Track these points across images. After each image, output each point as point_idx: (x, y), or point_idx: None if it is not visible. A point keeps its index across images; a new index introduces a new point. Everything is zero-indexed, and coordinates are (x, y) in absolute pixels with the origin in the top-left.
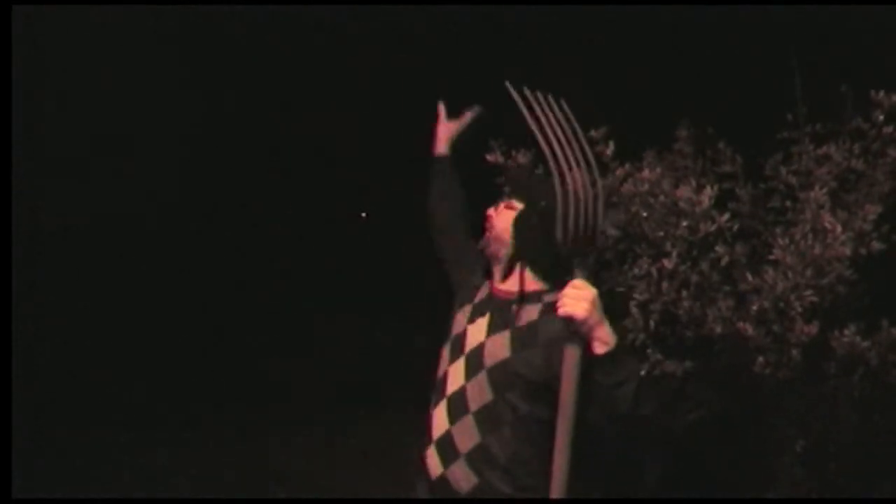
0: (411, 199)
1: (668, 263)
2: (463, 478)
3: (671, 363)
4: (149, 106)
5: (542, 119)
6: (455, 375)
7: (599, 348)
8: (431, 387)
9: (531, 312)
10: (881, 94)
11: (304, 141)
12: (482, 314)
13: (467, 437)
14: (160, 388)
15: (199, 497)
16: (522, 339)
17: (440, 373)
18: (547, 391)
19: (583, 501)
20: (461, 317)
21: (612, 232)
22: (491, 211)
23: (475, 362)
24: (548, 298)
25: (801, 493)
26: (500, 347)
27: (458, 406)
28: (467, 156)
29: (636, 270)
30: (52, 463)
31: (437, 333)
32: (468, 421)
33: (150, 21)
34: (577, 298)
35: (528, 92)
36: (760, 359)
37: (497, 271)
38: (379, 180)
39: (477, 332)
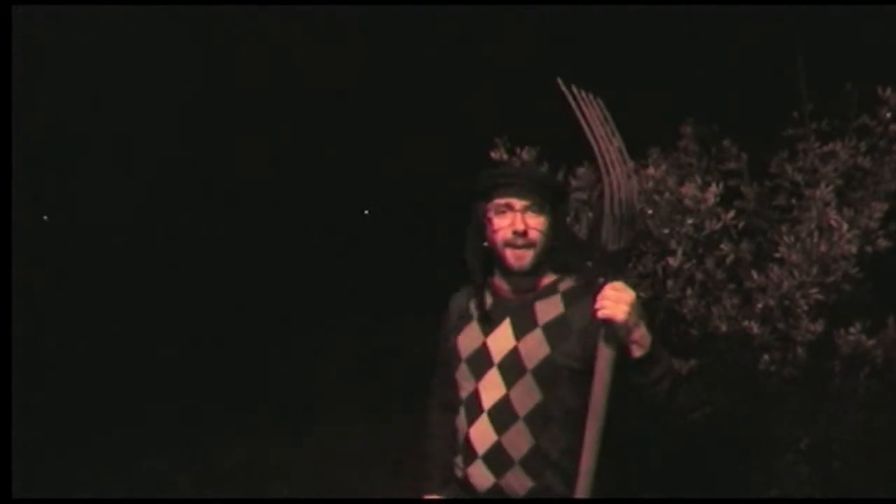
0: (413, 200)
1: (672, 261)
2: (518, 483)
3: (676, 361)
4: (149, 106)
5: (589, 117)
6: (490, 389)
7: (637, 351)
8: (457, 409)
9: (554, 304)
10: (888, 91)
11: (307, 141)
12: (498, 322)
13: (521, 442)
14: (161, 388)
15: (200, 497)
16: (557, 332)
17: (464, 394)
18: (587, 377)
19: (600, 502)
20: (469, 335)
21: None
22: (492, 213)
23: (514, 369)
24: (563, 287)
25: (806, 492)
26: (537, 346)
27: (503, 415)
28: (472, 152)
29: (641, 268)
30: (52, 463)
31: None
32: (519, 427)
33: (150, 21)
34: (618, 301)
35: (575, 90)
36: (765, 357)
37: (499, 272)
38: (382, 181)
39: (502, 341)
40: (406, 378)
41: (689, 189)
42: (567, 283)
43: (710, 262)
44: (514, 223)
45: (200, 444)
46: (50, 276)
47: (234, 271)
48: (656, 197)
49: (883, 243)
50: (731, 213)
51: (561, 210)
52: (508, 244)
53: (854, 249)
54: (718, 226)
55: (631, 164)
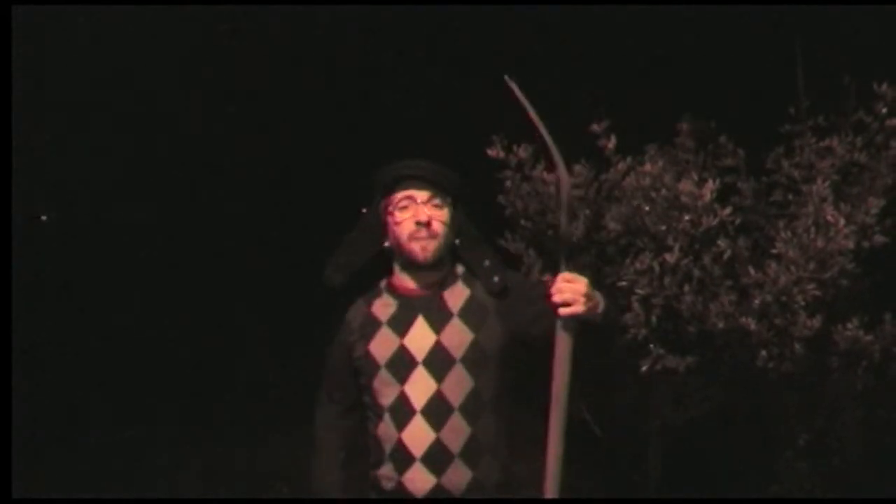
0: None
1: (670, 258)
2: (459, 477)
3: (673, 358)
4: (148, 106)
5: (535, 116)
6: (419, 388)
7: (600, 321)
8: (376, 419)
9: (459, 290)
10: (884, 85)
11: (307, 141)
12: (409, 321)
13: (458, 434)
14: (161, 387)
15: (200, 496)
16: (474, 317)
17: (387, 401)
18: (511, 354)
19: (583, 501)
20: (382, 341)
21: (613, 225)
22: (393, 208)
23: (441, 362)
24: (459, 271)
25: (805, 488)
26: (460, 335)
27: (438, 411)
28: (469, 149)
29: (638, 265)
30: (52, 463)
31: None
32: (455, 419)
33: (150, 21)
34: (574, 292)
35: (518, 88)
36: (763, 353)
37: (401, 270)
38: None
39: (420, 338)
40: None
41: (686, 185)
42: (461, 268)
43: (707, 259)
44: (417, 214)
45: (201, 443)
46: (49, 275)
47: (234, 271)
48: (653, 193)
49: (880, 239)
50: (728, 210)
51: (461, 205)
52: (412, 237)
53: (851, 245)
54: (715, 222)
55: (564, 168)
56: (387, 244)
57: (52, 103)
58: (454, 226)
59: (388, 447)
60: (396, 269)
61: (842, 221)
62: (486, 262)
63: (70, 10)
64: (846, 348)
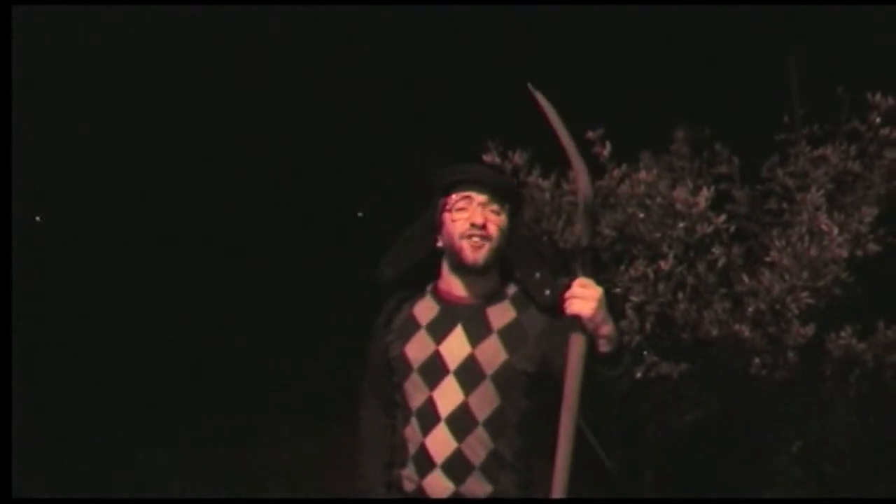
0: (410, 200)
1: (664, 265)
2: (478, 488)
3: (667, 365)
4: (147, 106)
5: (556, 121)
6: (447, 396)
7: (605, 346)
8: (405, 419)
9: (505, 309)
10: (878, 96)
11: (305, 142)
12: (448, 329)
13: (480, 448)
14: (160, 388)
15: (199, 497)
16: (514, 338)
17: (416, 404)
18: (542, 381)
19: (583, 501)
20: (418, 344)
21: (608, 232)
22: (450, 208)
23: (472, 375)
24: (510, 292)
25: (799, 494)
26: (495, 352)
27: (462, 422)
28: (464, 155)
29: (632, 272)
30: (52, 463)
31: None
32: (479, 432)
33: (150, 21)
34: (585, 297)
35: (541, 95)
36: (757, 361)
37: (450, 273)
38: (377, 181)
39: (456, 348)
40: None
41: (681, 193)
42: (513, 288)
43: (701, 266)
44: (473, 216)
45: (200, 444)
46: (46, 276)
47: (232, 272)
48: (648, 201)
49: (873, 247)
50: (723, 217)
51: (517, 215)
52: (465, 237)
53: (845, 253)
54: (710, 230)
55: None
56: (440, 244)
57: (52, 103)
58: (508, 234)
59: (412, 449)
60: (445, 271)
61: (835, 230)
62: (538, 275)
63: (70, 10)
64: (839, 356)
